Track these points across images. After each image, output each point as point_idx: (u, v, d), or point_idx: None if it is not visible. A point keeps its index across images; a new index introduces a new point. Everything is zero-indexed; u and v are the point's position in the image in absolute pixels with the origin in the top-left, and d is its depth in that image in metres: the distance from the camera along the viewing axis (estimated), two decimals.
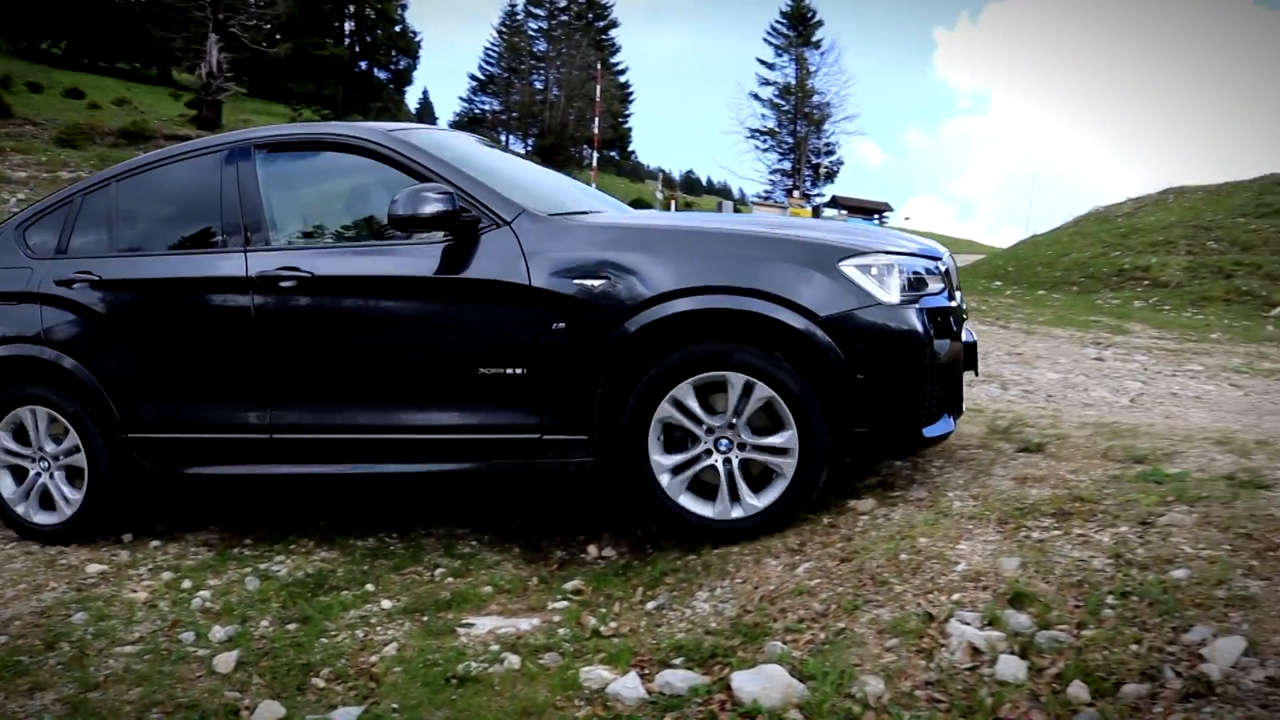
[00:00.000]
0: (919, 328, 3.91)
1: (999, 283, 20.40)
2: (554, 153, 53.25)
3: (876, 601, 3.16)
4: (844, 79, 76.26)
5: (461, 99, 63.52)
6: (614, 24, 65.03)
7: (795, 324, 3.82)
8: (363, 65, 53.75)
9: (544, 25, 63.30)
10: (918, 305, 3.96)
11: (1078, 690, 2.55)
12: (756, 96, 59.86)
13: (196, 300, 4.64)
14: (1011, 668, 2.69)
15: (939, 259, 4.33)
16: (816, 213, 46.55)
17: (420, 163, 4.38)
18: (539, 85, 61.89)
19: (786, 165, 61.11)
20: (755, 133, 59.92)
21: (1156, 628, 2.72)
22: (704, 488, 4.03)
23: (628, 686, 2.93)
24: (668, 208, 35.02)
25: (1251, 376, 10.88)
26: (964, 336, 4.39)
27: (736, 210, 39.52)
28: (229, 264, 4.54)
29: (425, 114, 70.19)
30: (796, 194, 53.87)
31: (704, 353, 3.90)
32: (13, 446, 4.96)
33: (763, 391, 3.85)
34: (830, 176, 61.49)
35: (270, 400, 4.48)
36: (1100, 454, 4.38)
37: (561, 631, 3.47)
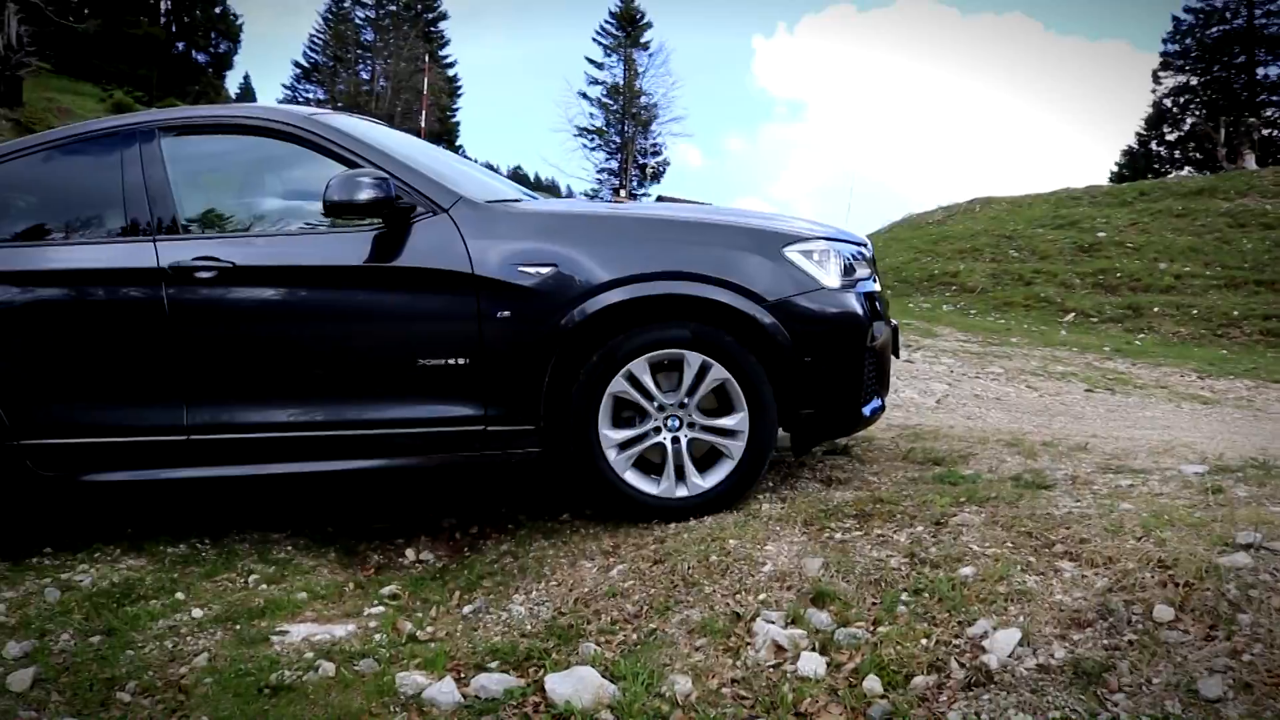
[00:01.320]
0: (859, 310, 4.09)
1: None
2: None
3: (687, 602, 3.26)
4: (671, 81, 77.14)
5: (285, 86, 61.48)
6: (443, 16, 64.07)
7: (745, 309, 3.92)
8: (180, 46, 51.40)
9: (371, 15, 61.89)
10: (855, 289, 4.14)
11: (872, 684, 2.70)
12: (585, 95, 59.93)
13: (101, 294, 4.26)
14: (812, 664, 2.82)
15: (864, 245, 4.48)
16: None
17: (348, 148, 4.23)
18: (365, 75, 60.50)
19: (614, 164, 61.44)
20: (583, 131, 60.04)
21: (944, 622, 2.90)
22: (649, 467, 4.07)
23: (443, 691, 2.94)
24: None
25: (1046, 379, 11.58)
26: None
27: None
28: (137, 254, 4.21)
29: (246, 99, 67.69)
30: (623, 193, 54.28)
31: (662, 335, 3.95)
32: None
33: (718, 373, 3.94)
34: (656, 177, 62.04)
35: (188, 399, 4.18)
36: (902, 456, 4.62)
37: (378, 637, 3.44)
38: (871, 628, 2.95)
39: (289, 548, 4.44)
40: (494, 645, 3.24)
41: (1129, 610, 2.77)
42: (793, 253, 4.04)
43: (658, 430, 4.01)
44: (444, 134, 65.35)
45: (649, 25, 60.40)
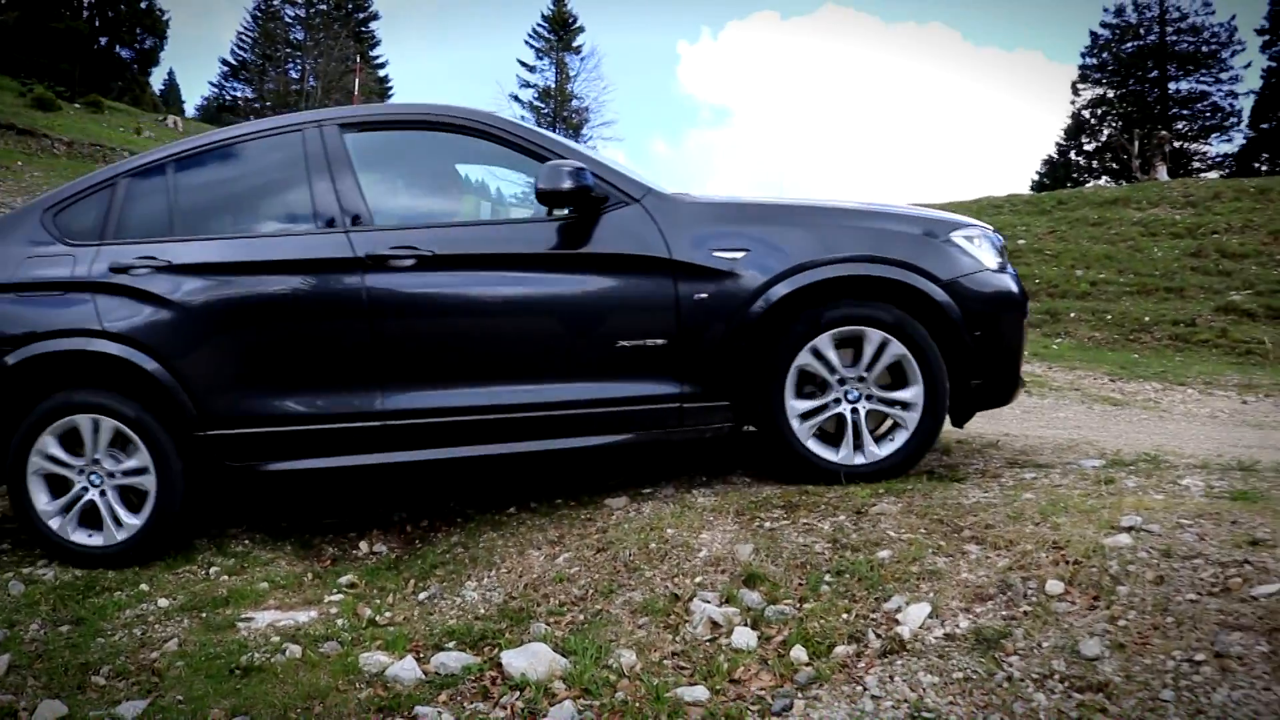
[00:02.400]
0: (1016, 289, 4.47)
1: None
2: None
3: (629, 586, 3.54)
4: (603, 85, 77.55)
5: (211, 84, 61.01)
6: (374, 16, 63.72)
7: (923, 287, 4.23)
8: (103, 41, 50.54)
9: (301, 13, 61.38)
10: (1009, 271, 4.50)
11: (798, 653, 3.00)
12: (517, 98, 60.07)
13: (297, 284, 4.35)
14: (744, 637, 3.12)
15: (1000, 234, 4.80)
16: None
17: (539, 143, 4.47)
18: (295, 74, 59.99)
19: None
20: None
21: (863, 599, 3.21)
22: (827, 437, 4.35)
23: (405, 669, 3.18)
24: None
25: None
26: None
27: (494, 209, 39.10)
28: (331, 245, 4.33)
29: (171, 97, 66.68)
30: None
31: (847, 313, 4.23)
32: (59, 454, 4.44)
33: (896, 348, 4.22)
34: None
35: (384, 384, 4.30)
36: None
37: (340, 622, 3.67)
38: (798, 605, 3.26)
39: (246, 541, 4.64)
40: (450, 627, 3.49)
41: (1025, 585, 3.10)
42: (958, 238, 4.38)
43: (838, 401, 4.28)
44: None
45: (581, 29, 60.73)
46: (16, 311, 4.45)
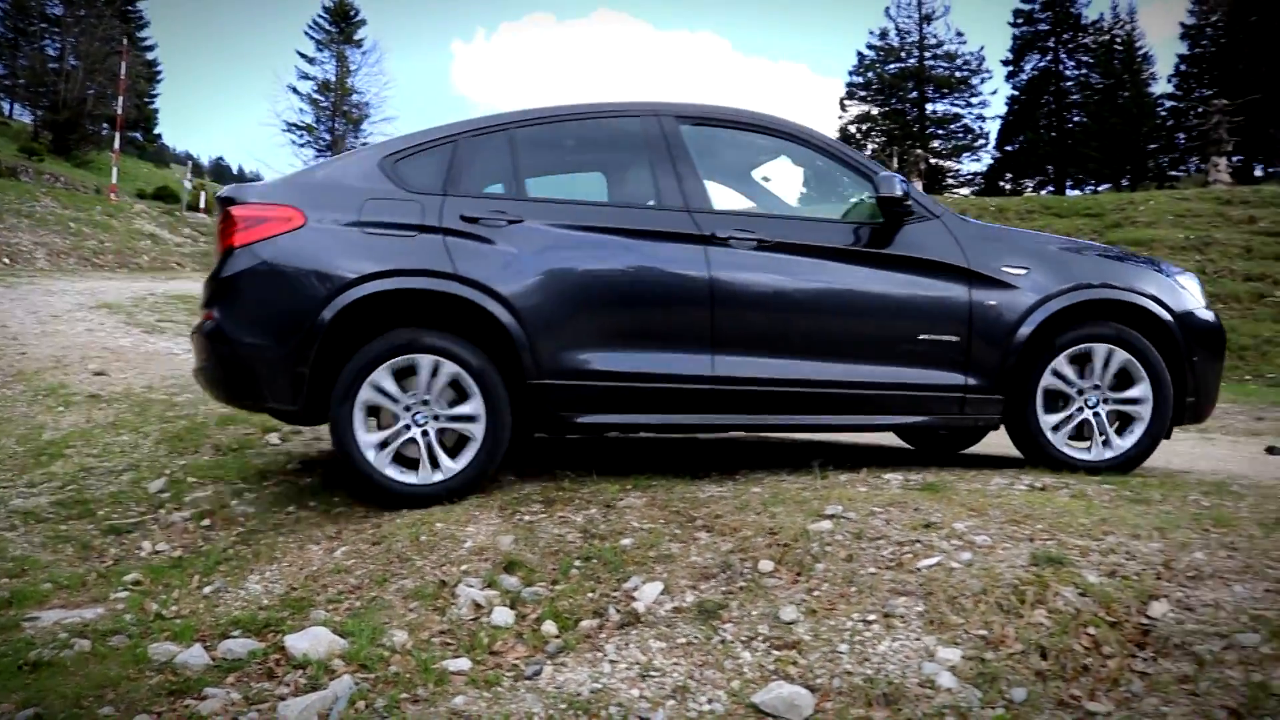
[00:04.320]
0: (1219, 325, 5.30)
1: None
2: (70, 129, 48.91)
3: (401, 574, 3.91)
4: (384, 80, 76.24)
5: None
6: None
7: (1162, 315, 5.07)
8: None
9: None
10: (1210, 310, 5.32)
11: (549, 627, 3.47)
12: (295, 90, 58.42)
13: (645, 249, 4.78)
14: (503, 616, 3.56)
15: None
16: None
17: (856, 160, 5.20)
18: (53, 52, 56.43)
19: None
20: (292, 126, 58.47)
21: (607, 580, 3.71)
22: (1077, 435, 5.08)
23: (194, 656, 3.45)
24: (197, 197, 33.34)
25: None
26: None
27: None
28: (676, 221, 4.82)
29: None
30: None
31: (1086, 333, 5.01)
32: (391, 389, 4.59)
33: (1121, 356, 4.99)
34: None
35: (718, 349, 4.76)
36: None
37: (127, 617, 3.88)
38: (551, 587, 3.72)
39: (25, 545, 4.73)
40: (235, 617, 3.77)
41: (743, 565, 3.67)
42: (1181, 279, 5.29)
43: (1080, 410, 5.04)
44: (141, 121, 61.87)
45: (363, 22, 59.61)
46: (368, 247, 4.63)
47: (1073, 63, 56.66)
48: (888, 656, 3.06)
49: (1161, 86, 55.92)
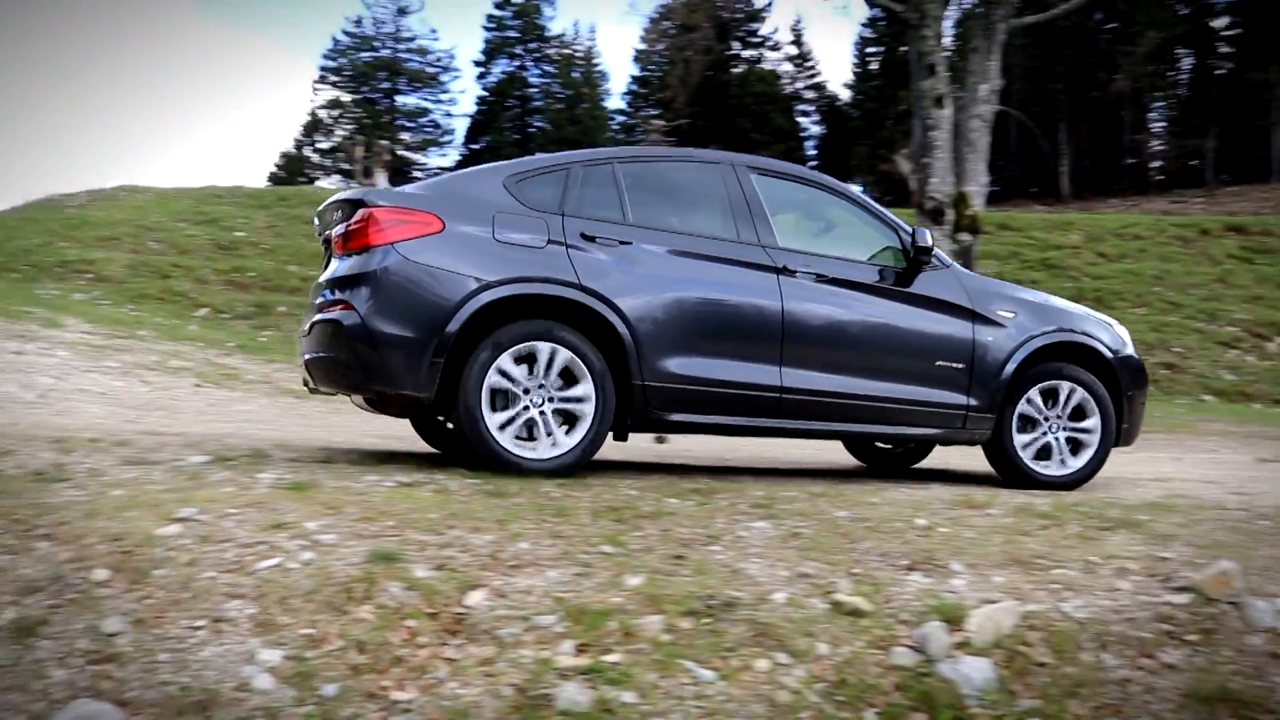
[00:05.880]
0: (1143, 364, 6.69)
1: None
2: None
3: None
4: None
5: None
6: None
7: (1107, 355, 6.41)
8: None
9: None
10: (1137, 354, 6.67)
11: None
12: None
13: (733, 276, 5.69)
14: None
15: None
16: None
17: (883, 214, 6.34)
18: None
19: None
20: None
21: None
22: (1039, 455, 6.37)
23: None
24: None
25: (161, 373, 12.08)
26: None
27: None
28: (755, 254, 5.78)
29: None
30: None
31: (1055, 369, 6.31)
32: (514, 373, 5.15)
33: (1080, 394, 6.30)
34: None
35: (785, 363, 5.69)
36: None
37: None
38: None
39: None
40: None
41: (76, 575, 3.47)
42: (1116, 328, 6.64)
43: (1045, 434, 6.33)
44: None
45: None
46: (502, 255, 5.25)
47: (538, 71, 60.05)
48: (209, 662, 3.04)
49: (615, 102, 61.05)
